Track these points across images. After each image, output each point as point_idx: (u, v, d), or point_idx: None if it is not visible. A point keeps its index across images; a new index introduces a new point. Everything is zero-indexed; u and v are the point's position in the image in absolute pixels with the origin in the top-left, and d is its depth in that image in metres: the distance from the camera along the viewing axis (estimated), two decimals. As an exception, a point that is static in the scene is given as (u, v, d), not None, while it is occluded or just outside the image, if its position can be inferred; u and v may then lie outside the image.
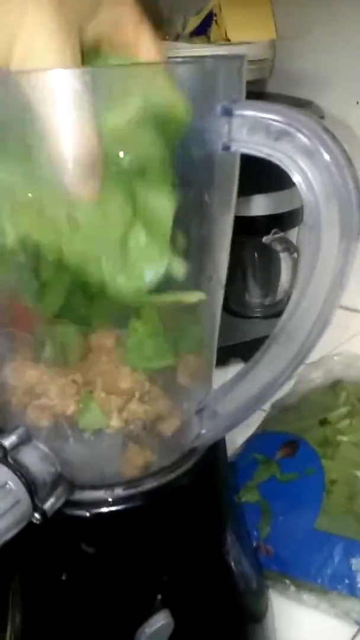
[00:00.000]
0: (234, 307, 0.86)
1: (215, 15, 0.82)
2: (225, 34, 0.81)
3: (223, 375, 0.35)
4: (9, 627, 0.37)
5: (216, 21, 0.83)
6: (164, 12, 0.91)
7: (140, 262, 0.27)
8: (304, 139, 0.27)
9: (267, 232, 0.75)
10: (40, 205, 0.26)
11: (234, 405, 0.34)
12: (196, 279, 0.31)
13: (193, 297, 0.30)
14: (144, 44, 0.28)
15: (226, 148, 0.28)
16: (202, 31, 0.85)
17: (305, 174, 0.27)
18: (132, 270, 0.27)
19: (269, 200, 0.75)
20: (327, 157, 0.27)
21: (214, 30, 0.84)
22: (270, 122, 0.27)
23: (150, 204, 0.27)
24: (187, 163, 0.28)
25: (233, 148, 0.28)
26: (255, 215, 0.76)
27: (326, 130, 0.27)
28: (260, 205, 0.76)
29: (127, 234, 0.26)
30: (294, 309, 0.30)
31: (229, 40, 0.81)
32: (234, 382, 0.33)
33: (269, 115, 0.27)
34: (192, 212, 0.29)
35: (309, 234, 0.28)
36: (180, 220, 0.29)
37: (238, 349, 0.74)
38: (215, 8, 0.83)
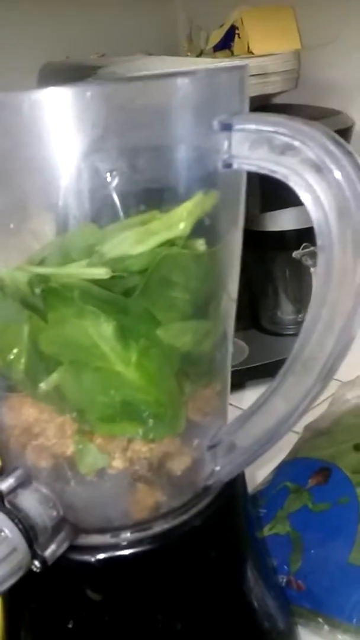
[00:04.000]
0: (265, 324, 0.84)
1: (237, 28, 0.81)
2: (248, 47, 0.80)
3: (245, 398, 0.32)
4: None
5: (238, 35, 0.81)
6: (186, 29, 0.91)
7: None
8: (310, 153, 0.25)
9: (298, 247, 0.73)
10: None
11: (249, 440, 0.31)
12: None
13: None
14: None
15: (227, 166, 0.27)
16: (225, 45, 0.84)
17: (314, 191, 0.25)
18: None
19: (299, 214, 0.74)
20: (336, 171, 0.25)
21: (237, 44, 0.82)
22: (273, 135, 0.25)
23: None
24: (186, 183, 0.26)
25: (235, 165, 0.26)
26: (285, 229, 0.75)
27: (336, 142, 0.25)
28: (289, 220, 0.74)
29: None
30: (308, 335, 0.28)
31: (252, 53, 0.79)
32: (249, 414, 0.31)
33: (271, 128, 0.25)
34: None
35: (320, 254, 0.26)
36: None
37: (271, 367, 0.71)
38: (237, 21, 0.81)
